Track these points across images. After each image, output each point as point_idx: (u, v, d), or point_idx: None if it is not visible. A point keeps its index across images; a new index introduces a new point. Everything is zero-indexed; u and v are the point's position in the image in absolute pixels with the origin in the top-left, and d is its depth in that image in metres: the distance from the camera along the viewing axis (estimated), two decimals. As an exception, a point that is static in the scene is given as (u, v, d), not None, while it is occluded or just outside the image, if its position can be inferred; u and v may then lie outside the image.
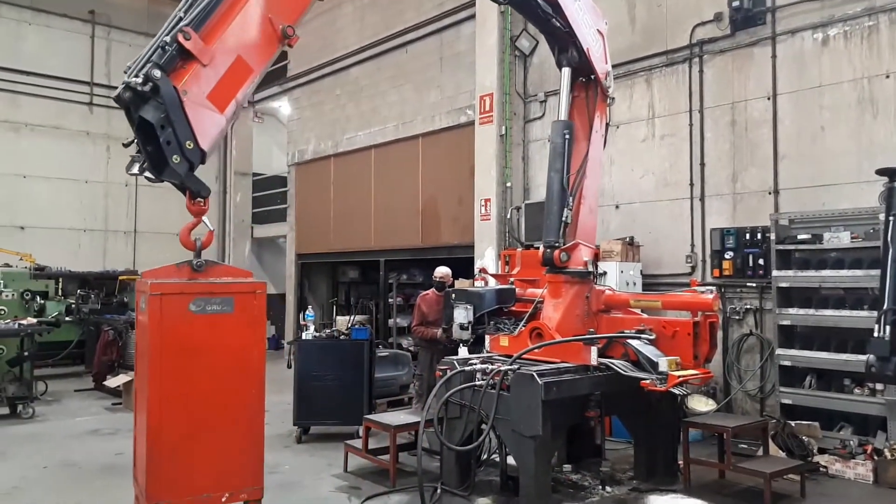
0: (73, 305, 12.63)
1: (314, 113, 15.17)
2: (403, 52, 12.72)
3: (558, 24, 5.79)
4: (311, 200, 15.16)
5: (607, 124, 6.17)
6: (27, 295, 11.56)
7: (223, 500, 3.32)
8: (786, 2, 7.81)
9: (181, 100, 3.27)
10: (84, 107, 15.17)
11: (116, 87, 3.51)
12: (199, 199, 3.46)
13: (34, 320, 10.27)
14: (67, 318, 12.28)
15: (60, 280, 13.30)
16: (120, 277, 13.42)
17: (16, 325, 9.42)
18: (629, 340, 5.48)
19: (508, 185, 10.29)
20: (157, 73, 3.22)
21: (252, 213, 17.84)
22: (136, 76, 3.28)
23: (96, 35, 15.57)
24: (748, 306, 7.96)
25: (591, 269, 5.82)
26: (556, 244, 5.63)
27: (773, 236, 7.22)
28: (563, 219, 5.65)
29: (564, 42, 5.95)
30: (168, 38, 3.35)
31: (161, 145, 3.29)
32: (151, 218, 16.11)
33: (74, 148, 14.92)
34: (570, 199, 5.71)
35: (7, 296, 10.95)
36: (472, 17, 10.89)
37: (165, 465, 3.24)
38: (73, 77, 15.23)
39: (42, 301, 11.99)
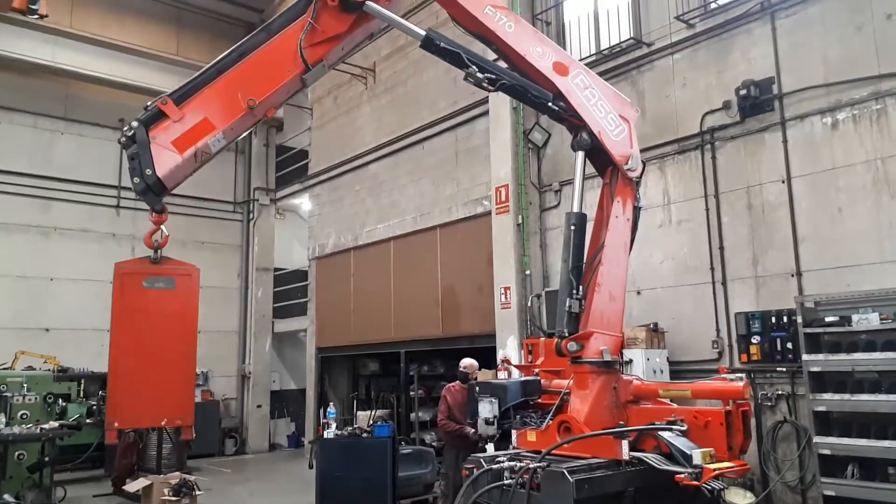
0: (95, 407, 12.56)
1: (334, 208, 15.51)
2: (420, 149, 13.11)
3: (557, 109, 5.89)
4: (332, 293, 15.27)
5: (636, 207, 6.09)
6: (49, 398, 11.55)
7: (162, 423, 4.56)
8: (792, 88, 8.01)
9: (149, 141, 4.58)
10: (112, 210, 15.61)
11: None
12: (155, 212, 4.70)
13: (56, 424, 10.20)
14: (88, 420, 12.15)
15: (83, 382, 13.33)
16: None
17: (37, 430, 9.37)
18: (661, 432, 5.30)
19: (528, 272, 10.32)
20: (135, 124, 4.65)
21: (273, 307, 17.93)
22: (128, 129, 4.71)
23: (125, 141, 16.22)
24: (780, 392, 7.75)
25: (607, 358, 5.67)
26: (563, 333, 5.57)
27: (799, 319, 7.09)
28: (567, 308, 5.62)
29: (574, 125, 6.05)
30: (150, 104, 4.77)
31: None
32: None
33: (100, 250, 15.18)
34: (577, 288, 5.67)
35: (30, 399, 10.95)
36: (486, 113, 11.26)
37: (121, 397, 4.36)
38: (102, 182, 15.73)
39: (64, 403, 11.97)
